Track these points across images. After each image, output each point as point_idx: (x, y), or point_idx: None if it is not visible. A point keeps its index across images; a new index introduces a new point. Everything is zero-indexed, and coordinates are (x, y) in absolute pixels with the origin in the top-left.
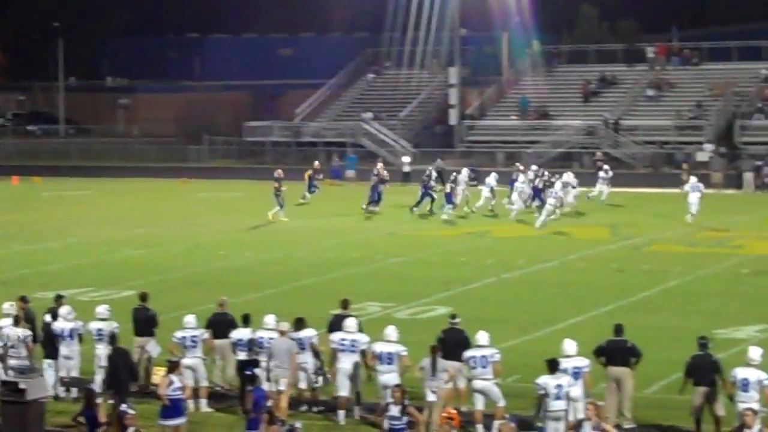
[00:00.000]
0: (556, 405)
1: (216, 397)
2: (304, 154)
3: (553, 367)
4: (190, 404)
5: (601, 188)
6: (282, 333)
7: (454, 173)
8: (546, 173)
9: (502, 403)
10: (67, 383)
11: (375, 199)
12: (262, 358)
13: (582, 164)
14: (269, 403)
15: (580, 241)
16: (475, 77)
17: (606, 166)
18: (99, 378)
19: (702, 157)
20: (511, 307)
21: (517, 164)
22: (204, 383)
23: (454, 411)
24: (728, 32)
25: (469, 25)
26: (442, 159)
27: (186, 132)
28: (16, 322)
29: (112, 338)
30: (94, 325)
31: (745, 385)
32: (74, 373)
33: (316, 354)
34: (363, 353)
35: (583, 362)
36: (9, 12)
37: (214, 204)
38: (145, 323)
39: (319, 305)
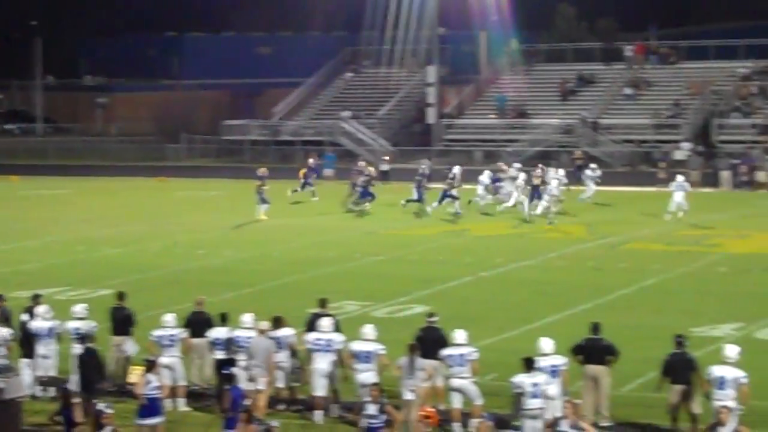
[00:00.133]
0: (533, 403)
1: (194, 396)
2: (283, 152)
3: (529, 365)
4: (168, 403)
5: (588, 186)
6: (261, 332)
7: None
8: (541, 169)
9: (479, 401)
10: (44, 382)
11: (366, 197)
12: (240, 357)
13: (560, 163)
14: (247, 402)
15: (558, 240)
16: (454, 76)
17: (593, 165)
18: (76, 377)
19: (679, 155)
20: (489, 305)
21: (500, 163)
22: (182, 382)
23: (432, 409)
24: (706, 31)
25: (447, 23)
26: (429, 159)
27: (164, 131)
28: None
29: (89, 338)
30: (71, 325)
31: (721, 383)
32: (51, 373)
33: (294, 353)
34: (339, 352)
35: (560, 360)
36: None
37: (192, 203)
38: (122, 322)
39: (297, 304)
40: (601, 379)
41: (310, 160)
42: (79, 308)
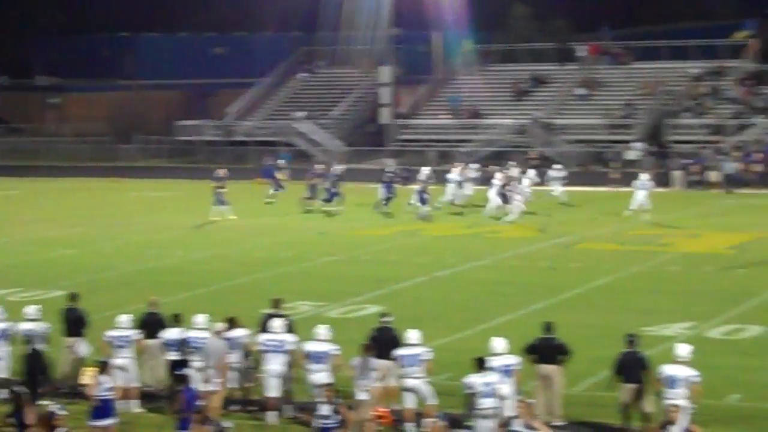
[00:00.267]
0: (486, 403)
1: (147, 398)
2: (236, 153)
3: (480, 365)
4: (121, 405)
5: (554, 187)
6: (217, 333)
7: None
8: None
9: (432, 401)
10: None
11: (330, 198)
12: (194, 358)
13: (515, 163)
14: (200, 403)
15: (511, 240)
16: (408, 76)
17: (557, 166)
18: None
19: (632, 155)
20: (443, 305)
21: (455, 163)
22: (135, 383)
23: (385, 410)
24: (658, 32)
25: (401, 23)
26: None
27: (117, 131)
28: None
29: (38, 339)
30: (23, 326)
31: (672, 382)
32: (3, 375)
33: (247, 354)
34: (292, 353)
35: (513, 360)
36: None
37: (145, 203)
38: (74, 324)
39: (251, 304)
40: (554, 379)
41: (280, 161)
42: (31, 310)
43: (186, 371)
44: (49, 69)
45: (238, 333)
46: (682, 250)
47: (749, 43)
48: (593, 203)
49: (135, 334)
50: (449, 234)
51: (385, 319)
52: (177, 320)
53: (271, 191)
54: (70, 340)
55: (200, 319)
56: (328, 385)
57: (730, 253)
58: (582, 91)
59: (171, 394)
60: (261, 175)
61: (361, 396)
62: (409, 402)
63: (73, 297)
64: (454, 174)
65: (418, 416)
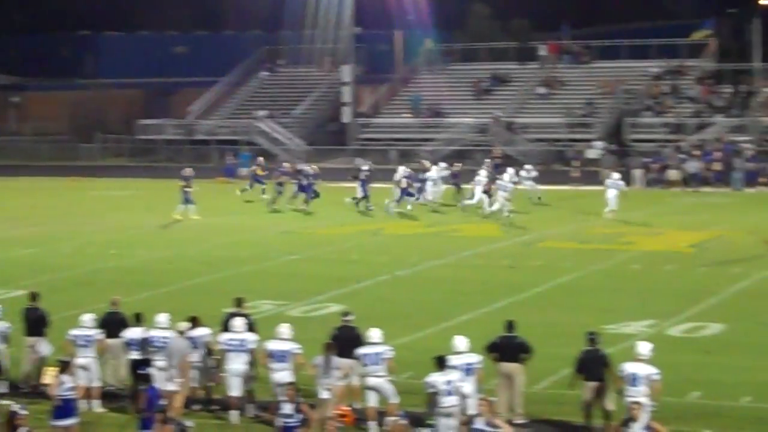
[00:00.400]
0: (448, 401)
1: (108, 397)
2: (198, 152)
3: (441, 364)
4: (83, 404)
5: (530, 187)
6: (180, 333)
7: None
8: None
9: (394, 399)
10: None
11: (311, 196)
12: (156, 358)
13: (476, 161)
14: (163, 402)
15: (473, 239)
16: (369, 75)
17: (528, 166)
18: None
19: (592, 154)
20: (404, 304)
21: (422, 161)
22: (97, 383)
23: (347, 408)
24: (618, 31)
25: (363, 23)
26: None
27: (78, 130)
28: None
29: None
30: None
31: (633, 380)
32: None
33: (210, 353)
34: (253, 352)
35: (475, 358)
36: None
37: (106, 202)
38: (35, 323)
39: (213, 303)
40: (516, 377)
41: (260, 159)
42: None
43: (148, 370)
44: (8, 68)
45: (200, 332)
46: (642, 249)
47: (708, 42)
48: (555, 202)
49: (97, 333)
50: (411, 233)
51: (347, 317)
52: (139, 319)
53: (247, 187)
54: (32, 339)
55: (162, 318)
56: (291, 383)
57: (691, 251)
58: (543, 90)
59: (133, 394)
60: (223, 173)
61: (324, 395)
62: (372, 400)
63: (34, 296)
64: (433, 172)
65: (381, 415)
